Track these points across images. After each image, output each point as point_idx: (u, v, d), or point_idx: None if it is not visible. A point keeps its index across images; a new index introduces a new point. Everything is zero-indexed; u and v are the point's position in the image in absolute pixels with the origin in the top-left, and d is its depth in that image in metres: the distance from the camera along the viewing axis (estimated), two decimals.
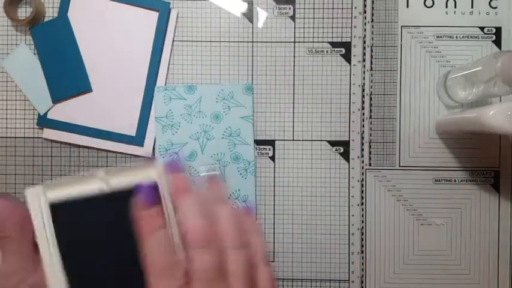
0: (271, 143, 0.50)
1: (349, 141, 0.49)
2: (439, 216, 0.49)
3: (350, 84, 0.49)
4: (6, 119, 0.50)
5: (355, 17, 0.49)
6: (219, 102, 0.49)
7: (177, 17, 0.49)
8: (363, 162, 0.49)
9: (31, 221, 0.25)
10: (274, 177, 0.49)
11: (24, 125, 0.50)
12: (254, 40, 0.50)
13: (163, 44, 0.49)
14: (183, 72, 0.50)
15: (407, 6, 0.49)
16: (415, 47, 0.49)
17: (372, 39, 0.49)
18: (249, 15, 0.50)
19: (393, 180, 0.49)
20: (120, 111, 0.49)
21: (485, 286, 0.49)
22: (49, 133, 0.49)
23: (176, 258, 0.24)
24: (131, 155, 0.49)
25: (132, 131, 0.49)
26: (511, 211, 0.49)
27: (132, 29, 0.49)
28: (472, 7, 0.49)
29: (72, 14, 0.49)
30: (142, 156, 0.49)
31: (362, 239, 0.49)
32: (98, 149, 0.49)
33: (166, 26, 0.49)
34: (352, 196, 0.49)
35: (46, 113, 0.49)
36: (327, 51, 0.49)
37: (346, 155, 0.49)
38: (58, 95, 0.49)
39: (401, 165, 0.49)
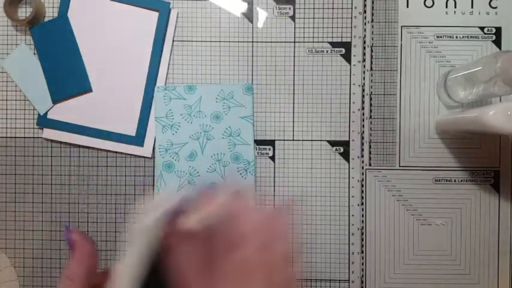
0: (271, 143, 0.50)
1: (349, 141, 0.49)
2: (439, 216, 0.49)
3: (350, 84, 0.49)
4: (6, 119, 0.50)
5: (355, 17, 0.49)
6: (219, 102, 0.49)
7: (177, 17, 0.49)
8: (363, 162, 0.49)
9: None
10: (274, 177, 0.49)
11: (24, 125, 0.50)
12: (254, 40, 0.50)
13: (163, 44, 0.49)
14: (183, 72, 0.50)
15: (407, 6, 0.49)
16: (415, 47, 0.49)
17: (372, 39, 0.49)
18: (249, 15, 0.50)
19: (393, 180, 0.49)
20: (120, 111, 0.49)
21: (485, 286, 0.49)
22: (49, 133, 0.49)
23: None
24: (131, 155, 0.49)
25: (132, 131, 0.49)
26: (511, 211, 0.49)
27: (132, 29, 0.49)
28: (472, 7, 0.49)
29: (72, 14, 0.49)
30: (143, 156, 0.49)
31: (362, 239, 0.49)
32: (98, 149, 0.49)
33: (166, 26, 0.49)
34: (352, 196, 0.49)
35: (46, 113, 0.49)
36: (327, 51, 0.49)
37: (346, 155, 0.49)
38: (58, 95, 0.49)
39: (401, 165, 0.49)
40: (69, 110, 0.49)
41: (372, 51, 0.49)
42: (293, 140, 0.49)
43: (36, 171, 0.50)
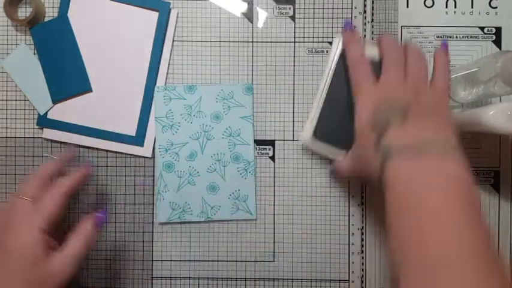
0: (271, 143, 0.50)
1: None
2: None
3: None
4: (6, 119, 0.50)
5: (355, 17, 0.49)
6: (219, 102, 0.49)
7: (177, 17, 0.49)
8: None
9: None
10: (274, 177, 0.49)
11: (24, 125, 0.50)
12: (254, 40, 0.50)
13: (163, 44, 0.49)
14: (183, 72, 0.50)
15: (407, 6, 0.49)
16: None
17: (372, 39, 0.49)
18: (249, 15, 0.50)
19: None
20: (120, 111, 0.49)
21: None
22: (49, 133, 0.49)
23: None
24: (131, 155, 0.49)
25: (132, 131, 0.49)
26: (511, 211, 0.49)
27: (132, 29, 0.49)
28: (472, 7, 0.49)
29: (72, 14, 0.49)
30: (143, 156, 0.49)
31: (362, 239, 0.49)
32: (98, 149, 0.49)
33: (166, 26, 0.49)
34: (352, 196, 0.49)
35: (46, 113, 0.49)
36: (327, 51, 0.49)
37: None
38: (58, 95, 0.49)
39: None
40: (69, 110, 0.49)
41: None
42: (293, 140, 0.49)
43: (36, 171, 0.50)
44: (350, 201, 0.49)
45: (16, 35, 0.50)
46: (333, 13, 0.49)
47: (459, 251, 0.30)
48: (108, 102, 0.49)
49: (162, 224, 0.49)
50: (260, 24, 0.50)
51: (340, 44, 0.44)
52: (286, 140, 0.49)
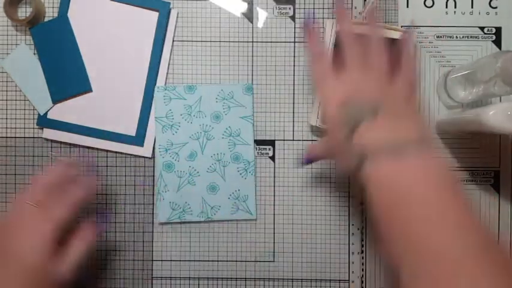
0: (271, 143, 0.50)
1: None
2: None
3: None
4: (6, 119, 0.50)
5: (355, 17, 0.49)
6: (219, 102, 0.49)
7: (177, 17, 0.49)
8: None
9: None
10: (274, 177, 0.49)
11: (24, 125, 0.50)
12: (254, 40, 0.50)
13: (163, 44, 0.49)
14: (183, 72, 0.50)
15: (407, 6, 0.49)
16: None
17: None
18: (249, 15, 0.50)
19: None
20: (120, 111, 0.49)
21: None
22: (49, 133, 0.49)
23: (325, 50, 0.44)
24: (131, 155, 0.49)
25: (132, 131, 0.49)
26: (511, 211, 0.49)
27: (132, 29, 0.49)
28: (472, 7, 0.49)
29: (72, 14, 0.49)
30: (143, 156, 0.49)
31: (362, 239, 0.49)
32: (98, 149, 0.49)
33: (166, 26, 0.49)
34: (352, 196, 0.49)
35: (46, 113, 0.49)
36: None
37: None
38: (58, 95, 0.49)
39: None
40: (69, 110, 0.49)
41: None
42: (293, 140, 0.49)
43: (36, 171, 0.50)
44: (350, 201, 0.49)
45: (16, 35, 0.50)
46: (333, 13, 0.49)
47: (455, 240, 0.31)
48: (108, 102, 0.49)
49: (162, 224, 0.49)
50: (260, 24, 0.50)
51: (335, 26, 0.46)
52: (286, 140, 0.49)
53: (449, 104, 0.48)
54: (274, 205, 0.49)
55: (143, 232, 0.49)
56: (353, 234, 0.49)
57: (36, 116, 0.49)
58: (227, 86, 0.49)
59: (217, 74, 0.49)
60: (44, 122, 0.49)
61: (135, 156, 0.49)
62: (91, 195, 0.43)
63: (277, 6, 0.50)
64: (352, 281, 0.49)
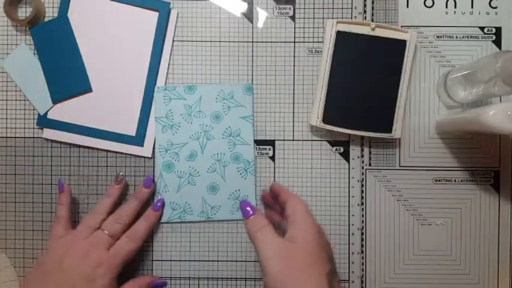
0: (271, 143, 0.50)
1: (349, 141, 0.49)
2: (439, 216, 0.49)
3: None
4: (6, 119, 0.50)
5: (355, 17, 0.49)
6: (219, 102, 0.49)
7: (177, 17, 0.49)
8: (363, 162, 0.49)
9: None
10: (274, 177, 0.49)
11: (24, 125, 0.50)
12: (254, 40, 0.50)
13: (163, 44, 0.49)
14: (183, 72, 0.50)
15: (407, 6, 0.49)
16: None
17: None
18: (249, 15, 0.50)
19: (393, 180, 0.49)
20: (120, 111, 0.49)
21: (485, 286, 0.49)
22: (49, 133, 0.49)
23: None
24: (131, 155, 0.49)
25: (132, 131, 0.49)
26: (511, 211, 0.49)
27: (132, 29, 0.49)
28: (472, 7, 0.49)
29: (72, 14, 0.49)
30: (143, 156, 0.49)
31: (362, 239, 0.49)
32: (98, 149, 0.49)
33: (166, 26, 0.49)
34: (352, 196, 0.49)
35: (46, 113, 0.49)
36: None
37: (346, 155, 0.49)
38: (58, 95, 0.49)
39: (401, 165, 0.49)
40: (69, 110, 0.49)
41: None
42: (293, 140, 0.49)
43: (36, 171, 0.50)
44: (350, 201, 0.49)
45: (16, 35, 0.50)
46: (333, 13, 0.49)
47: None
48: (108, 102, 0.49)
49: (162, 223, 0.49)
50: (260, 24, 0.50)
51: (335, 26, 0.46)
52: (286, 140, 0.49)
53: (449, 104, 0.48)
54: None
55: None
56: (353, 234, 0.49)
57: (36, 116, 0.49)
58: (227, 86, 0.49)
59: (217, 74, 0.49)
60: (44, 122, 0.49)
61: (135, 156, 0.49)
62: (152, 227, 0.47)
63: (277, 6, 0.50)
64: (352, 281, 0.49)
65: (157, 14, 0.49)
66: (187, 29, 0.50)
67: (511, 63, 0.37)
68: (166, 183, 0.48)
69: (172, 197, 0.48)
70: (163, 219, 0.48)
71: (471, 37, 0.49)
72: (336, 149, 0.49)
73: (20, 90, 0.50)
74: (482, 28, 0.49)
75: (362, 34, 0.46)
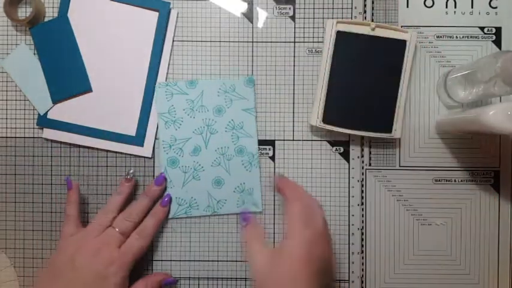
0: (271, 143, 0.50)
1: (349, 141, 0.49)
2: (439, 216, 0.49)
3: None
4: (6, 119, 0.50)
5: (355, 17, 0.49)
6: (220, 96, 0.49)
7: (177, 17, 0.49)
8: (363, 162, 0.49)
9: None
10: (275, 177, 0.49)
11: (24, 125, 0.50)
12: (254, 40, 0.50)
13: (163, 44, 0.49)
14: (183, 72, 0.50)
15: (407, 6, 0.49)
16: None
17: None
18: (249, 15, 0.50)
19: (393, 180, 0.49)
20: (120, 111, 0.49)
21: (485, 286, 0.49)
22: (49, 133, 0.49)
23: None
24: (131, 155, 0.49)
25: (132, 131, 0.49)
26: (511, 211, 0.49)
27: (132, 29, 0.49)
28: (472, 7, 0.49)
29: (72, 14, 0.49)
30: (143, 156, 0.49)
31: (362, 239, 0.49)
32: (98, 149, 0.49)
33: (166, 26, 0.49)
34: (352, 196, 0.49)
35: (46, 113, 0.49)
36: None
37: (346, 155, 0.49)
38: (58, 95, 0.49)
39: (401, 165, 0.49)
40: (69, 110, 0.49)
41: None
42: (293, 140, 0.49)
43: (36, 171, 0.50)
44: (350, 201, 0.49)
45: (16, 35, 0.50)
46: (333, 13, 0.49)
47: None
48: (108, 102, 0.49)
49: (168, 220, 0.49)
50: (260, 24, 0.50)
51: (335, 26, 0.46)
52: (286, 140, 0.49)
53: (449, 104, 0.48)
54: (274, 205, 0.49)
55: None
56: (353, 234, 0.49)
57: (36, 116, 0.49)
58: (228, 80, 0.49)
59: (217, 74, 0.49)
60: (44, 122, 0.49)
61: (135, 156, 0.49)
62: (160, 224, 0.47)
63: (277, 6, 0.50)
64: (352, 281, 0.49)
65: (157, 14, 0.49)
66: (187, 29, 0.50)
67: (511, 63, 0.37)
68: (172, 179, 0.48)
69: (178, 193, 0.48)
70: (170, 215, 0.48)
71: (471, 37, 0.49)
72: (336, 149, 0.49)
73: (20, 90, 0.50)
74: (482, 28, 0.49)
75: (362, 34, 0.46)
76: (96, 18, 0.49)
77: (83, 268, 0.41)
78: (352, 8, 0.49)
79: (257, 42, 0.50)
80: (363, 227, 0.49)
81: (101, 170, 0.50)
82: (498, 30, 0.49)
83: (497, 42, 0.49)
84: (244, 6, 0.50)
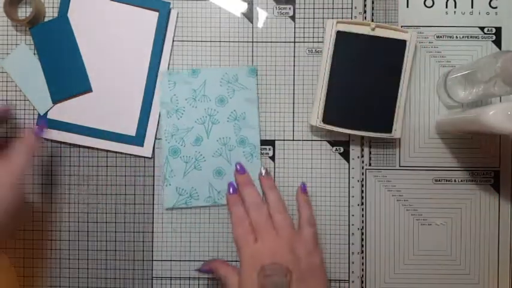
0: (271, 143, 0.50)
1: (349, 141, 0.49)
2: (439, 216, 0.49)
3: None
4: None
5: (355, 17, 0.49)
6: (223, 86, 0.49)
7: (177, 17, 0.49)
8: (363, 162, 0.49)
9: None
10: (274, 177, 0.49)
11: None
12: (254, 40, 0.50)
13: (163, 44, 0.49)
14: None
15: (407, 6, 0.49)
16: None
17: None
18: (249, 15, 0.50)
19: (393, 180, 0.49)
20: (120, 111, 0.49)
21: (485, 286, 0.49)
22: (49, 133, 0.49)
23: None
24: (131, 155, 0.49)
25: (132, 131, 0.49)
26: (511, 211, 0.49)
27: (132, 29, 0.49)
28: (472, 7, 0.49)
29: (72, 14, 0.49)
30: (143, 156, 0.49)
31: (362, 239, 0.49)
32: (98, 149, 0.49)
33: (166, 26, 0.49)
34: (352, 196, 0.49)
35: (46, 113, 0.49)
36: None
37: (346, 155, 0.49)
38: (58, 95, 0.49)
39: (401, 165, 0.49)
40: (69, 110, 0.49)
41: None
42: (293, 140, 0.49)
43: (36, 171, 0.50)
44: (350, 201, 0.49)
45: (16, 35, 0.50)
46: (333, 13, 0.49)
47: None
48: (108, 102, 0.49)
49: (168, 209, 0.49)
50: (260, 24, 0.50)
51: (335, 26, 0.46)
52: (286, 140, 0.49)
53: (449, 104, 0.48)
54: None
55: (143, 232, 0.49)
56: (353, 234, 0.49)
57: (36, 116, 0.49)
58: (231, 69, 0.49)
59: None
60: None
61: (135, 156, 0.49)
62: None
63: (277, 6, 0.50)
64: (352, 281, 0.49)
65: (157, 14, 0.49)
66: (187, 29, 0.50)
67: (511, 63, 0.37)
68: (173, 169, 0.48)
69: (179, 182, 0.48)
70: (169, 205, 0.48)
71: (471, 37, 0.49)
72: (336, 149, 0.49)
73: (20, 90, 0.50)
74: (482, 28, 0.49)
75: (362, 34, 0.46)
76: (96, 18, 0.49)
77: None
78: (352, 8, 0.49)
79: (257, 42, 0.50)
80: (363, 227, 0.49)
81: (101, 170, 0.50)
82: (498, 30, 0.49)
83: (497, 42, 0.49)
84: (244, 6, 0.50)
